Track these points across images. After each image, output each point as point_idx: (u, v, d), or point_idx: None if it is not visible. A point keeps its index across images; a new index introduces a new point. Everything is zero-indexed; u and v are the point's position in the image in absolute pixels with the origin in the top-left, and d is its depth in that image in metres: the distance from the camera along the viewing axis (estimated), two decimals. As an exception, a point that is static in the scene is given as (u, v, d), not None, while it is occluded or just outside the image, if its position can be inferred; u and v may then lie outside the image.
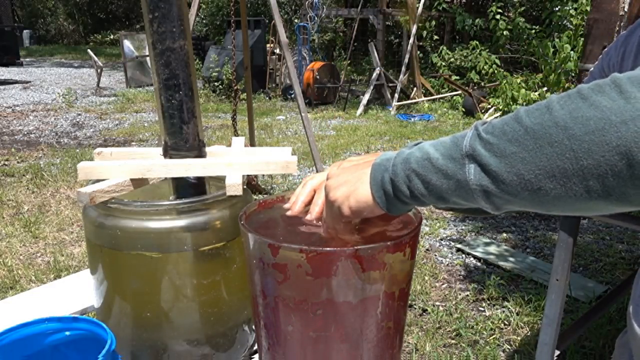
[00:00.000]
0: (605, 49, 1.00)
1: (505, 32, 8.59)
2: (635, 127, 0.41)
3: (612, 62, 0.95)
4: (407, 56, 8.84)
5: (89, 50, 11.37)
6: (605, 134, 0.42)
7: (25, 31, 21.37)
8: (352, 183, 0.61)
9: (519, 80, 7.51)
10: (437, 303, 2.63)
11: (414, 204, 0.58)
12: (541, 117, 0.46)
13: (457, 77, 9.01)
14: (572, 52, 6.79)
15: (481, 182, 0.49)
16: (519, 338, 2.35)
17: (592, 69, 1.06)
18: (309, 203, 0.74)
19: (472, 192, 0.50)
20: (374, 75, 8.46)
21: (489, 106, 7.66)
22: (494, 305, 2.61)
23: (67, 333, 0.84)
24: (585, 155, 0.43)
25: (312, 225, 0.75)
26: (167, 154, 1.07)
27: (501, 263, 3.03)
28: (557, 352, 1.80)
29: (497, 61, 8.61)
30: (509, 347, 2.28)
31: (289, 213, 0.73)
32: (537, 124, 0.46)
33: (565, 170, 0.44)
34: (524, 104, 6.85)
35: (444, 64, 9.50)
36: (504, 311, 2.54)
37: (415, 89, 9.01)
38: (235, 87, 3.80)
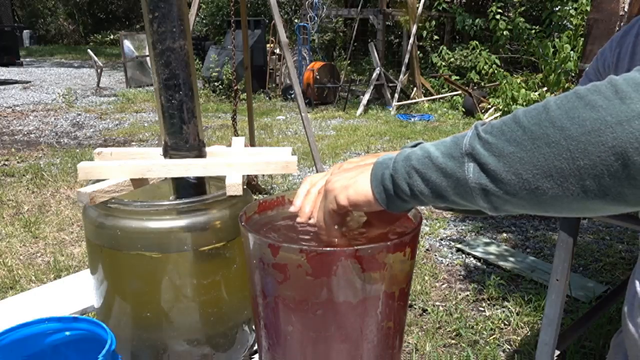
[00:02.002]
0: (600, 50, 1.00)
1: (505, 32, 8.59)
2: (631, 128, 0.41)
3: (607, 63, 0.95)
4: (407, 56, 8.84)
5: (89, 50, 11.37)
6: (601, 135, 0.42)
7: (25, 31, 21.36)
8: (352, 177, 0.62)
9: (519, 80, 7.51)
10: (437, 303, 2.63)
11: (413, 203, 0.58)
12: (538, 117, 0.47)
13: (457, 77, 9.02)
14: (572, 52, 6.79)
15: (480, 181, 0.50)
16: (519, 338, 2.35)
17: (587, 69, 1.06)
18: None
19: (471, 191, 0.51)
20: (374, 75, 8.46)
21: (489, 106, 7.66)
22: (494, 305, 2.61)
23: (67, 333, 0.84)
24: (582, 155, 0.43)
25: (313, 226, 0.75)
26: (167, 154, 1.07)
27: (501, 263, 3.03)
28: (557, 352, 1.80)
29: (497, 61, 8.61)
30: (509, 347, 2.28)
31: (298, 220, 0.72)
32: (534, 124, 0.47)
33: (562, 170, 0.45)
34: (524, 104, 6.85)
35: (444, 64, 9.50)
36: (504, 311, 2.54)
37: (415, 89, 9.01)
38: (235, 87, 3.80)
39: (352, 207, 0.61)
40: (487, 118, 7.25)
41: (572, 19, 7.74)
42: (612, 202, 0.44)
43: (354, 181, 0.61)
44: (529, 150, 0.46)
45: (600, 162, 0.43)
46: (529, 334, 2.37)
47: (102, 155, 1.13)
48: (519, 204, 0.50)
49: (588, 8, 5.84)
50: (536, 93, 7.06)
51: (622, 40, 0.89)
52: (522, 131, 0.47)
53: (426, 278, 2.86)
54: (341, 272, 0.63)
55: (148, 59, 5.90)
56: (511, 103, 6.95)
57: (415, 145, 0.66)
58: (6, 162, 5.11)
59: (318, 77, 8.81)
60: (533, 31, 8.54)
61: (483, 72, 8.59)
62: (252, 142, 4.22)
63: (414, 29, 8.70)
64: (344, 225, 0.66)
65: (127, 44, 10.68)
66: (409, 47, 8.84)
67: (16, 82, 11.21)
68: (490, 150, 0.49)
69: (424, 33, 10.08)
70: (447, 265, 3.08)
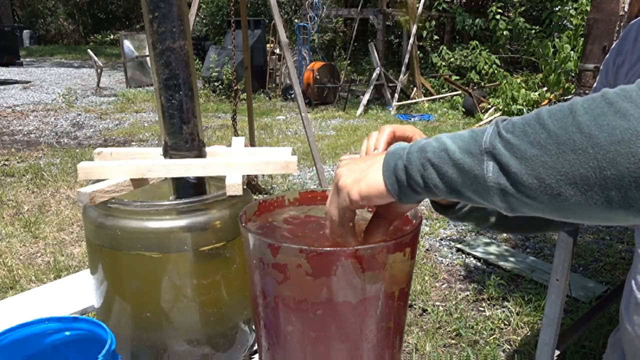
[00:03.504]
0: (604, 61, 0.98)
1: (505, 32, 8.59)
2: None
3: (609, 75, 0.93)
4: (407, 56, 8.84)
5: (89, 50, 11.37)
6: (631, 146, 0.41)
7: (25, 31, 21.35)
8: (364, 169, 0.60)
9: (519, 80, 7.51)
10: (437, 303, 2.63)
11: (426, 195, 0.56)
12: (564, 120, 0.45)
13: (457, 77, 9.02)
14: (572, 52, 6.79)
15: (499, 181, 0.48)
16: (519, 338, 2.35)
17: (595, 85, 1.04)
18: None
19: (489, 190, 0.49)
20: (374, 75, 8.46)
21: (489, 106, 7.66)
22: (494, 305, 2.61)
23: (67, 333, 0.84)
24: (609, 165, 0.42)
25: (313, 226, 0.75)
26: (167, 154, 1.07)
27: (501, 263, 3.03)
28: (557, 352, 1.80)
29: (497, 61, 8.61)
30: (509, 347, 2.28)
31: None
32: (560, 128, 0.45)
33: (587, 178, 0.43)
34: (524, 104, 6.85)
35: (444, 64, 9.50)
36: (504, 311, 2.54)
37: (415, 89, 9.01)
38: (235, 87, 3.80)
39: (365, 201, 0.59)
40: (487, 118, 7.25)
41: (572, 19, 7.74)
42: (636, 214, 0.43)
43: (365, 174, 0.59)
44: (553, 155, 0.45)
45: (628, 174, 0.41)
46: (529, 334, 2.37)
47: (102, 155, 1.13)
48: (538, 208, 0.48)
49: (588, 8, 5.84)
50: (536, 93, 7.06)
51: (620, 47, 0.88)
52: (547, 134, 0.45)
53: (426, 278, 2.86)
54: (341, 272, 0.63)
55: (148, 59, 5.90)
56: (511, 103, 6.95)
57: None
58: (6, 162, 5.11)
59: (318, 77, 8.81)
60: (533, 31, 8.54)
61: (483, 72, 8.60)
62: (252, 142, 4.22)
63: (414, 29, 8.70)
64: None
65: (127, 44, 10.68)
66: (409, 47, 8.84)
67: (16, 82, 11.21)
68: (511, 151, 0.47)
69: (424, 33, 10.08)
70: (447, 265, 3.08)
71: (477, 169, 0.49)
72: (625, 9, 3.29)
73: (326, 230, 0.67)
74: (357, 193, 0.59)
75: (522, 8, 9.30)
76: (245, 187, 1.07)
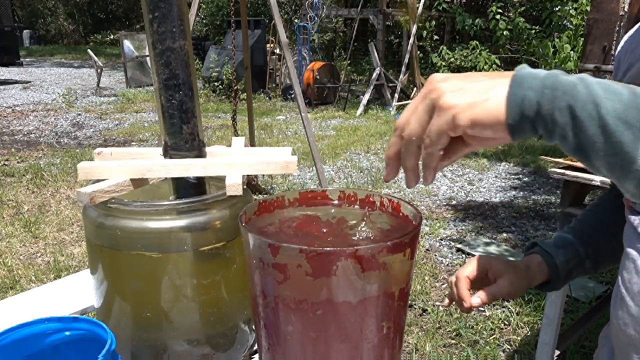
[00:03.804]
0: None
1: (505, 32, 8.59)
2: None
3: None
4: (407, 56, 8.84)
5: (89, 50, 11.38)
6: None
7: (25, 31, 21.36)
8: (481, 92, 0.47)
9: (519, 80, 7.51)
10: (437, 303, 2.63)
11: (542, 137, 0.46)
12: None
13: (457, 77, 9.01)
14: (572, 52, 6.80)
15: None
16: (519, 338, 2.35)
17: None
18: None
19: (630, 173, 0.41)
20: (374, 75, 8.47)
21: (489, 106, 7.67)
22: (494, 305, 2.61)
23: (67, 333, 0.84)
24: None
25: (314, 227, 0.75)
26: (167, 154, 1.07)
27: (501, 263, 3.03)
28: (557, 352, 1.80)
29: (497, 61, 8.61)
30: (509, 347, 2.28)
31: (396, 133, 0.54)
32: None
33: None
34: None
35: (444, 64, 9.50)
36: (504, 311, 2.54)
37: (415, 89, 9.01)
38: (235, 87, 3.81)
39: (474, 130, 0.47)
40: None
41: (572, 19, 7.74)
42: None
43: (484, 98, 0.46)
44: None
45: None
46: (529, 334, 2.37)
47: (102, 155, 1.13)
48: None
49: (588, 8, 5.84)
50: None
51: (616, 72, 0.87)
52: None
53: (426, 278, 2.86)
54: (341, 272, 0.63)
55: (148, 59, 5.91)
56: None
57: None
58: (6, 162, 5.11)
59: (318, 77, 8.81)
60: (533, 31, 8.54)
61: (483, 72, 8.60)
62: (252, 142, 4.22)
63: (414, 29, 8.70)
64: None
65: (127, 44, 10.69)
66: (409, 47, 8.84)
67: (16, 82, 11.21)
68: None
69: (424, 33, 10.09)
70: (447, 265, 3.08)
71: (630, 145, 0.40)
72: (625, 9, 3.29)
73: (390, 150, 0.53)
74: (468, 119, 0.46)
75: (522, 8, 9.31)
76: (245, 187, 1.07)
